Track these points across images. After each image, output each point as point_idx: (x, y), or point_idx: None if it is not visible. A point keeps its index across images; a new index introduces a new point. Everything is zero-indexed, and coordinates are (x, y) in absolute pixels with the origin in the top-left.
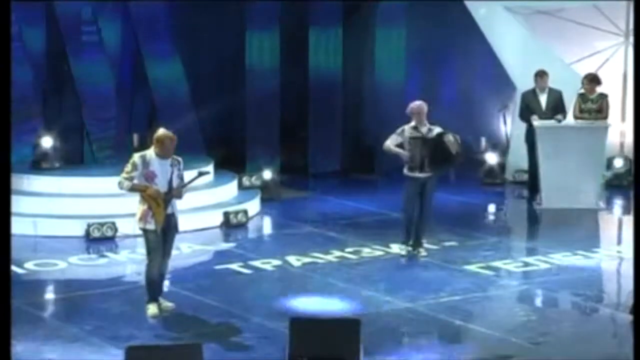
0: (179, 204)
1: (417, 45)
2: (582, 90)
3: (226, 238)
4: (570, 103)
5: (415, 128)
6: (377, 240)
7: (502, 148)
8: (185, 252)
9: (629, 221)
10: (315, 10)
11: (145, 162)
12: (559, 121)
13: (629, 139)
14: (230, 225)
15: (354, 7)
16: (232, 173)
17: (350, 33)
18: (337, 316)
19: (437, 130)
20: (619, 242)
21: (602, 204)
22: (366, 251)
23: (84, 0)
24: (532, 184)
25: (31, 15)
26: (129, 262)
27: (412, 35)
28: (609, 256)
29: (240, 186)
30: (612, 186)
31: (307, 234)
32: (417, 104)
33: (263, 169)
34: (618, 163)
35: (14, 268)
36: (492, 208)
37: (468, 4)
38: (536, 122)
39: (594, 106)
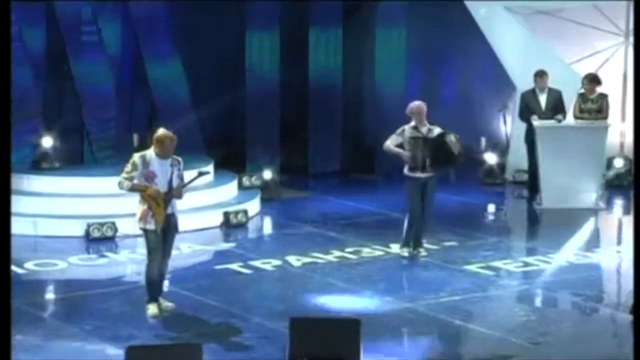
0: (179, 204)
1: (417, 45)
2: (582, 90)
3: (226, 238)
4: (570, 103)
5: (415, 128)
6: (377, 240)
7: (502, 148)
8: (185, 252)
9: (629, 221)
10: (315, 10)
11: (145, 162)
12: (559, 121)
13: (629, 139)
14: (230, 225)
15: (354, 7)
16: (232, 173)
17: (350, 33)
18: (337, 316)
19: (437, 130)
20: (619, 242)
21: (602, 204)
22: (366, 251)
23: (84, 0)
24: (532, 184)
25: (31, 15)
26: (129, 262)
27: (412, 35)
28: (609, 256)
29: (240, 186)
30: (612, 186)
31: (307, 234)
32: (416, 104)
33: (263, 169)
34: (618, 163)
35: (14, 268)
36: (492, 208)
37: (468, 4)
38: (536, 122)
39: (594, 106)
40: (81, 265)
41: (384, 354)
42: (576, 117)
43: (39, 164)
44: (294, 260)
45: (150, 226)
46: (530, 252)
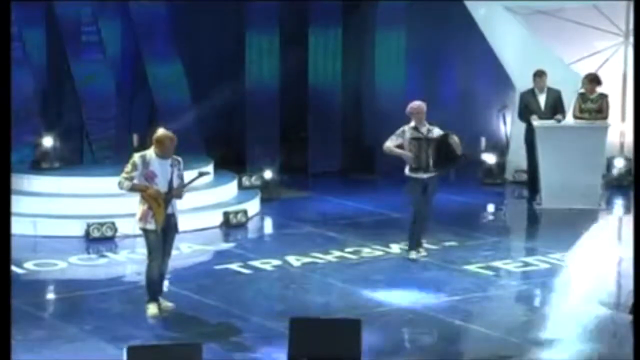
0: (179, 204)
1: (417, 45)
2: (582, 90)
3: (226, 238)
4: (569, 103)
5: (415, 128)
6: (377, 240)
7: (502, 148)
8: (185, 252)
9: (629, 221)
10: (315, 10)
11: (145, 162)
12: (559, 121)
13: (629, 139)
14: (230, 225)
15: (353, 7)
16: (232, 173)
17: (350, 33)
18: (337, 316)
19: (436, 130)
20: (619, 242)
21: (602, 204)
22: (366, 251)
23: (84, 1)
24: (532, 183)
25: (31, 15)
26: (129, 262)
27: (412, 35)
28: (609, 256)
29: (240, 186)
30: (612, 186)
31: (307, 234)
32: (417, 103)
33: (263, 169)
34: (619, 163)
35: (14, 268)
36: (492, 208)
37: (468, 4)
38: (536, 122)
39: (594, 106)
40: (81, 265)
41: (384, 354)
42: (576, 117)
43: (39, 164)
44: (293, 260)
45: (151, 226)
46: (530, 252)
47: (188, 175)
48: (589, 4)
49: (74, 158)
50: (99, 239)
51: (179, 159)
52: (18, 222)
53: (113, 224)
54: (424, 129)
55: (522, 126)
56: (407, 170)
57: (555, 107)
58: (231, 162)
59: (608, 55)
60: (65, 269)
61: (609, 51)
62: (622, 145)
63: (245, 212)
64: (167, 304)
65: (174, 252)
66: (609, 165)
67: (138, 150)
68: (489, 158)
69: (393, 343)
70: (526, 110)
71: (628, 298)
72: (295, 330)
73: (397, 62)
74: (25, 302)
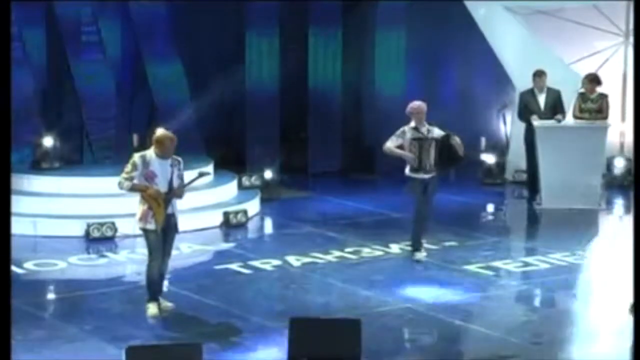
0: (179, 204)
1: (417, 45)
2: (582, 90)
3: (226, 238)
4: (569, 103)
5: (415, 129)
6: (377, 240)
7: (502, 148)
8: (185, 252)
9: (629, 221)
10: (315, 10)
11: (145, 162)
12: (559, 121)
13: (629, 139)
14: (230, 225)
15: (353, 7)
16: (232, 173)
17: (350, 33)
18: (337, 316)
19: (436, 130)
20: (619, 242)
21: (602, 204)
22: (366, 251)
23: (84, 1)
24: (532, 183)
25: (31, 15)
26: (129, 262)
27: (412, 35)
28: (609, 256)
29: (240, 186)
30: (612, 186)
31: (307, 234)
32: (417, 104)
33: (263, 169)
34: (619, 163)
35: (14, 268)
36: (492, 208)
37: (468, 4)
38: (536, 122)
39: (594, 106)
40: (81, 265)
41: (383, 354)
42: (576, 117)
43: (39, 164)
44: (293, 260)
45: (151, 226)
46: (530, 252)
47: (188, 175)
48: (589, 4)
49: (74, 158)
50: (99, 239)
51: (179, 159)
52: (18, 222)
53: (113, 224)
54: (424, 129)
55: (522, 126)
56: (407, 171)
57: (555, 107)
58: (231, 162)
59: (608, 55)
60: (65, 269)
61: (609, 51)
62: (622, 145)
63: (245, 212)
64: (167, 304)
65: (174, 252)
66: (609, 165)
67: (138, 150)
68: (489, 158)
69: (393, 343)
70: (526, 110)
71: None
72: (295, 330)
73: (397, 62)
74: (25, 302)
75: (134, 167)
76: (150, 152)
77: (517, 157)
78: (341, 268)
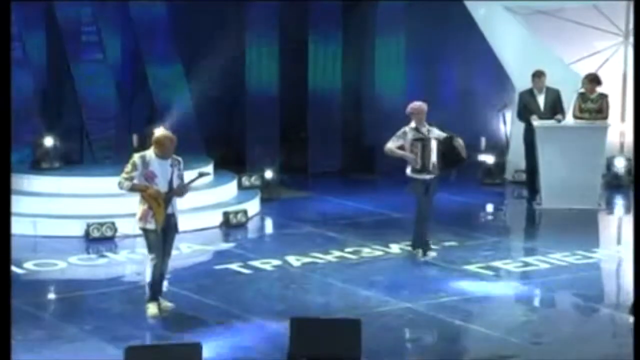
0: (179, 204)
1: (417, 45)
2: (582, 90)
3: (226, 238)
4: (569, 103)
5: (416, 129)
6: (377, 240)
7: (502, 148)
8: (185, 252)
9: (629, 221)
10: (315, 10)
11: (145, 163)
12: (559, 121)
13: (629, 139)
14: (230, 225)
15: (353, 7)
16: (232, 173)
17: (350, 33)
18: (337, 316)
19: (435, 130)
20: (619, 242)
21: (602, 204)
22: (366, 251)
23: (84, 1)
24: (531, 183)
25: (31, 15)
26: (129, 262)
27: (412, 35)
28: (609, 256)
29: (240, 186)
30: (612, 186)
31: (307, 234)
32: (417, 104)
33: (263, 169)
34: (619, 163)
35: (14, 268)
36: (491, 208)
37: (468, 4)
38: (536, 122)
39: (594, 106)
40: (81, 265)
41: (383, 354)
42: (576, 117)
43: (39, 164)
44: (293, 260)
45: (151, 226)
46: (530, 252)
47: (188, 175)
48: (589, 4)
49: (74, 158)
50: (99, 239)
51: (179, 159)
52: (18, 222)
53: (113, 224)
54: (424, 130)
55: (522, 126)
56: (409, 171)
57: (555, 107)
58: (231, 162)
59: (608, 55)
60: (65, 269)
61: (609, 51)
62: (622, 145)
63: (245, 212)
64: (167, 304)
65: (174, 252)
66: (609, 165)
67: (138, 150)
68: (488, 158)
69: (393, 343)
70: (525, 110)
71: (628, 298)
72: (295, 330)
73: (397, 62)
74: (25, 302)
75: (134, 167)
76: (150, 152)
77: (517, 157)
78: (341, 268)
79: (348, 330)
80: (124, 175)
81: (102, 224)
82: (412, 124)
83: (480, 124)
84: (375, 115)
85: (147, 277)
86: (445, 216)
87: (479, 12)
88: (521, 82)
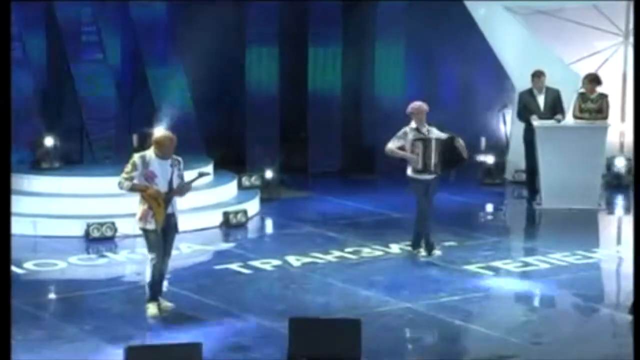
0: (179, 204)
1: (417, 45)
2: (582, 90)
3: (226, 238)
4: (569, 103)
5: (417, 130)
6: (377, 240)
7: (502, 148)
8: (185, 252)
9: (629, 221)
10: (315, 10)
11: (145, 163)
12: (559, 121)
13: (629, 139)
14: (230, 225)
15: (353, 7)
16: (232, 173)
17: (350, 33)
18: (337, 316)
19: (434, 131)
20: (619, 242)
21: (602, 204)
22: (366, 251)
23: (84, 1)
24: (531, 183)
25: (31, 15)
26: (129, 262)
27: (412, 35)
28: (609, 256)
29: (240, 186)
30: (612, 186)
31: (306, 234)
32: (418, 104)
33: (263, 169)
34: (619, 163)
35: (14, 268)
36: (491, 208)
37: (468, 4)
38: (536, 122)
39: (594, 106)
40: (81, 265)
41: (383, 354)
42: (576, 117)
43: (39, 164)
44: (293, 260)
45: (151, 226)
46: (530, 252)
47: (188, 175)
48: (589, 4)
49: (74, 158)
50: (99, 239)
51: (179, 159)
52: (18, 222)
53: (113, 224)
54: (424, 130)
55: (522, 126)
56: (410, 172)
57: (555, 107)
58: (231, 162)
59: (608, 55)
60: (65, 269)
61: (608, 51)
62: (622, 145)
63: (245, 212)
64: (167, 304)
65: (174, 252)
66: (609, 165)
67: (138, 150)
68: (487, 158)
69: (393, 343)
70: (525, 110)
71: (627, 298)
72: (294, 330)
73: (396, 62)
74: (25, 302)
75: (134, 167)
76: (150, 153)
77: (517, 157)
78: (341, 268)
79: (348, 330)
80: (124, 175)
81: (102, 224)
82: (413, 124)
83: (480, 124)
84: (375, 115)
85: (147, 277)
86: (445, 216)
87: (479, 12)
88: (521, 82)
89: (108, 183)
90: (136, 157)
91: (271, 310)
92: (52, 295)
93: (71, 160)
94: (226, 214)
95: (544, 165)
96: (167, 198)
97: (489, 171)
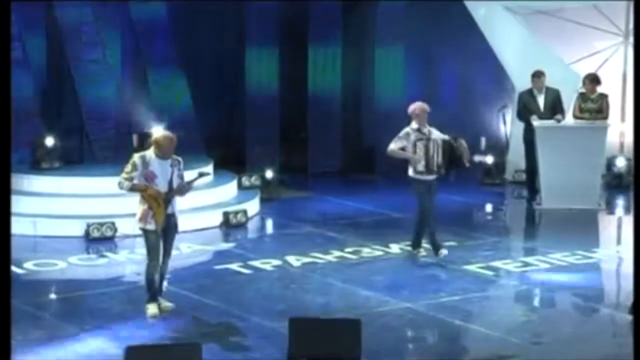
0: (179, 204)
1: (417, 45)
2: (583, 90)
3: (226, 238)
4: (569, 103)
5: (419, 130)
6: (377, 240)
7: (502, 148)
8: (185, 252)
9: (629, 221)
10: (315, 10)
11: (145, 163)
12: (559, 121)
13: (629, 139)
14: (230, 225)
15: (353, 7)
16: (232, 173)
17: (350, 33)
18: (337, 316)
19: (435, 131)
20: (619, 242)
21: (601, 204)
22: (366, 251)
23: (84, 1)
24: (531, 183)
25: (31, 15)
26: (129, 262)
27: (412, 35)
28: (609, 256)
29: (240, 186)
30: (612, 186)
31: (306, 234)
32: (420, 105)
33: (263, 169)
34: (619, 163)
35: (14, 268)
36: (491, 208)
37: (468, 4)
38: (536, 122)
39: (594, 106)
40: (81, 265)
41: (383, 354)
42: (576, 117)
43: (39, 164)
44: (293, 260)
45: (151, 226)
46: (530, 252)
47: (188, 175)
48: (589, 4)
49: (74, 158)
50: (99, 239)
51: (179, 159)
52: (18, 222)
53: (113, 224)
54: (425, 130)
55: (522, 126)
56: (412, 172)
57: (555, 107)
58: (231, 162)
59: (608, 55)
60: (65, 269)
61: (608, 51)
62: (622, 145)
63: (245, 212)
64: (167, 304)
65: (174, 252)
66: (609, 165)
67: (138, 150)
68: (487, 158)
69: (393, 343)
70: (525, 110)
71: (627, 298)
72: (294, 330)
73: (396, 62)
74: (25, 302)
75: (134, 167)
76: (150, 153)
77: (517, 157)
78: (341, 268)
79: (348, 330)
80: (124, 175)
81: (102, 224)
82: (414, 125)
83: (480, 124)
84: (375, 115)
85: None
86: (445, 216)
87: (479, 12)
88: (521, 82)
89: (108, 183)
90: (136, 157)
91: (271, 310)
92: (52, 295)
93: (71, 160)
94: (226, 214)
95: (544, 165)
96: (167, 198)
97: (489, 171)
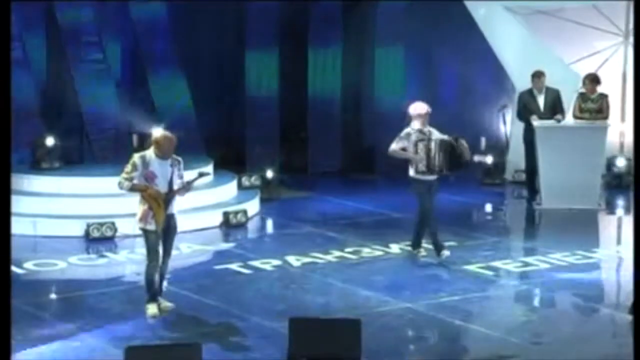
0: (179, 204)
1: (417, 45)
2: (583, 90)
3: (226, 238)
4: (569, 103)
5: (419, 131)
6: (377, 240)
7: (502, 148)
8: (185, 252)
9: (629, 221)
10: (315, 10)
11: (145, 163)
12: (559, 121)
13: (629, 139)
14: (230, 225)
15: (353, 7)
16: (232, 173)
17: (350, 33)
18: (337, 316)
19: (435, 132)
20: (619, 242)
21: (601, 204)
22: (366, 251)
23: (84, 1)
24: (531, 183)
25: (31, 15)
26: (129, 262)
27: (412, 35)
28: (609, 256)
29: (240, 186)
30: (612, 186)
31: (306, 234)
32: (421, 105)
33: (263, 169)
34: (619, 163)
35: (14, 268)
36: (491, 208)
37: (468, 4)
38: (536, 122)
39: (594, 106)
40: (81, 265)
41: (383, 354)
42: (576, 117)
43: (39, 164)
44: (293, 260)
45: (151, 226)
46: (530, 252)
47: (188, 175)
48: (589, 4)
49: (74, 158)
50: (99, 239)
51: (179, 159)
52: (18, 222)
53: (113, 224)
54: (426, 131)
55: (522, 126)
56: (412, 173)
57: (555, 107)
58: (231, 162)
59: (608, 55)
60: (65, 269)
61: (608, 51)
62: (622, 145)
63: (245, 212)
64: (167, 304)
65: (174, 252)
66: (609, 165)
67: (138, 150)
68: (488, 159)
69: (393, 343)
70: (525, 110)
71: (627, 298)
72: (294, 330)
73: (396, 62)
74: (25, 302)
75: (134, 167)
76: (150, 153)
77: (517, 157)
78: (341, 268)
79: (348, 330)
80: (124, 175)
81: (102, 224)
82: (415, 125)
83: (480, 124)
84: (375, 115)
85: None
86: (445, 216)
87: (479, 12)
88: (521, 82)
89: (108, 183)
90: (136, 157)
91: (271, 310)
92: (52, 295)
93: (71, 160)
94: (226, 214)
95: (544, 165)
96: (167, 198)
97: (489, 171)
